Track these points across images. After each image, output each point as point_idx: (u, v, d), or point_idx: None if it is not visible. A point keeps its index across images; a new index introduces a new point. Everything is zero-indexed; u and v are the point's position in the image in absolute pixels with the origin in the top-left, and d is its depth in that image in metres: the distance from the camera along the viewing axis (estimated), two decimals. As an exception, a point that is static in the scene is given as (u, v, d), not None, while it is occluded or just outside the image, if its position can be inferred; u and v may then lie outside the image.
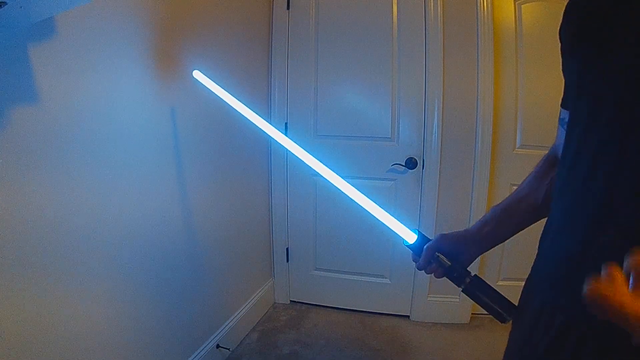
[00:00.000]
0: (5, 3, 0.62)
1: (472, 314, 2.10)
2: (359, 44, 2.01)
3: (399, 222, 0.74)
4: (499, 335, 1.95)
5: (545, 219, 0.70)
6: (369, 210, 0.77)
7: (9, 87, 0.82)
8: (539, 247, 0.61)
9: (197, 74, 1.24)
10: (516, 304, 0.65)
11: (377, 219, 0.76)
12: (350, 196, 0.79)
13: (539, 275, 0.59)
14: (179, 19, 1.36)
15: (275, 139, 0.96)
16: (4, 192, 0.82)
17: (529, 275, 0.63)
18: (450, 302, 2.10)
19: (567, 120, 0.63)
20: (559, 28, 0.60)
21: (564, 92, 0.64)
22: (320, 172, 0.83)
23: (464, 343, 1.93)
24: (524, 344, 0.58)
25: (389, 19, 1.97)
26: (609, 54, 0.46)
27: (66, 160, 0.96)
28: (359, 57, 2.02)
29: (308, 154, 0.86)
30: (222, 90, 1.14)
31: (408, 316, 2.17)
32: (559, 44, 0.61)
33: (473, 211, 1.99)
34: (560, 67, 0.61)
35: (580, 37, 0.52)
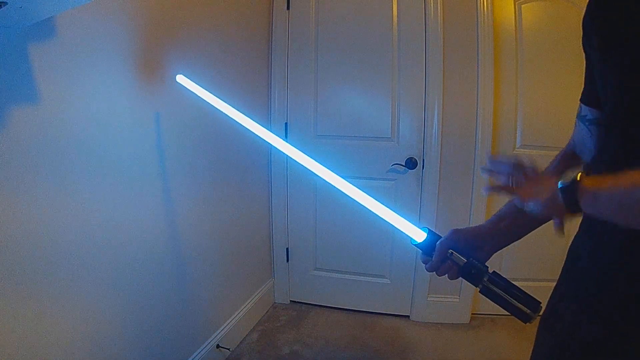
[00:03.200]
0: (5, 3, 0.62)
1: (472, 314, 2.10)
2: (359, 44, 2.01)
3: (405, 220, 0.70)
4: (499, 336, 1.95)
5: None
6: (373, 210, 0.74)
7: (8, 87, 0.81)
8: (571, 252, 0.59)
9: (181, 78, 1.20)
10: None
11: (382, 219, 0.73)
12: (352, 197, 0.76)
13: (573, 281, 0.57)
14: (177, 19, 1.36)
15: (271, 142, 0.92)
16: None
17: (561, 280, 0.61)
18: (450, 302, 2.10)
19: (589, 117, 0.61)
20: (582, 19, 0.57)
21: (586, 88, 0.62)
22: (319, 174, 0.80)
23: (464, 343, 1.93)
24: (558, 352, 0.56)
25: (389, 19, 1.97)
26: None
27: (63, 163, 0.96)
28: (359, 57, 2.02)
29: (306, 156, 0.83)
30: (210, 94, 1.09)
31: (408, 316, 2.17)
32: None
33: (473, 211, 1.99)
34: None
35: (616, 41, 0.49)
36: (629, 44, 0.47)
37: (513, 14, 1.93)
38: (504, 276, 0.65)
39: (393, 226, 0.72)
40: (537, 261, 1.99)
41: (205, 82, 1.52)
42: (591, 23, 0.55)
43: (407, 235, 0.70)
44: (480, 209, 1.98)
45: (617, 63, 0.50)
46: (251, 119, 1.00)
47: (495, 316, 2.07)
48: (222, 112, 1.05)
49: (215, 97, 1.08)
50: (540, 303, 0.60)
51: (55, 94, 0.92)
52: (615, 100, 0.51)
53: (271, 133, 0.94)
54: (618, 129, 0.51)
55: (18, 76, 0.83)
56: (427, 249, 0.67)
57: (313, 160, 0.82)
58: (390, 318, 2.16)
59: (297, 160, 0.84)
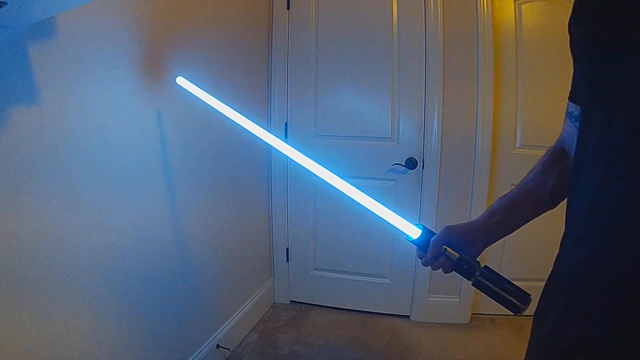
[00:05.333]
0: (5, 3, 0.62)
1: (472, 314, 2.10)
2: (359, 44, 2.01)
3: (401, 218, 0.73)
4: (499, 336, 1.95)
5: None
6: (370, 208, 0.76)
7: (8, 87, 0.81)
8: (560, 248, 0.61)
9: (181, 80, 1.21)
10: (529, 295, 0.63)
11: (379, 217, 0.75)
12: (350, 196, 0.78)
13: (559, 278, 0.59)
14: (178, 19, 1.36)
15: (270, 143, 0.94)
16: None
17: (550, 276, 0.62)
18: (450, 302, 2.10)
19: (575, 114, 0.63)
20: (568, 22, 0.58)
21: (572, 86, 0.63)
22: (317, 174, 0.81)
23: (464, 343, 1.93)
24: (545, 348, 0.57)
25: (389, 19, 1.97)
26: (623, 56, 0.45)
27: (65, 164, 0.96)
28: (359, 57, 2.02)
29: (304, 156, 0.85)
30: (209, 95, 1.11)
31: (408, 316, 2.17)
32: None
33: (473, 211, 1.99)
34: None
35: (592, 37, 0.50)
36: (614, 44, 0.48)
37: (513, 14, 1.93)
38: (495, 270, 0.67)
39: (390, 224, 0.75)
40: (537, 261, 1.99)
41: (205, 82, 1.53)
42: (575, 26, 0.56)
43: (403, 232, 0.73)
44: (480, 208, 1.98)
45: (600, 63, 0.50)
46: (251, 119, 1.01)
47: (495, 316, 2.07)
48: (221, 113, 1.06)
49: (215, 99, 1.09)
50: (530, 295, 0.63)
51: (56, 94, 0.92)
52: (587, 105, 0.53)
53: (269, 133, 0.95)
54: (593, 123, 0.51)
55: (18, 76, 0.83)
56: (422, 245, 0.70)
57: (311, 160, 0.84)
58: (390, 318, 2.16)
59: (295, 160, 0.86)
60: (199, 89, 1.16)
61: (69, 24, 0.93)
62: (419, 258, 0.71)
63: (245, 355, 1.82)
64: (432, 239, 0.68)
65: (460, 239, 0.68)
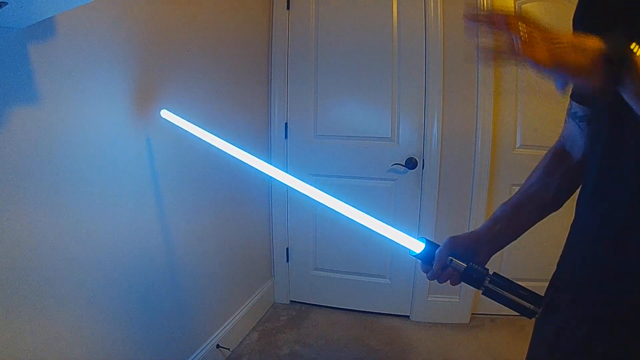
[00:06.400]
0: (5, 3, 0.62)
1: (472, 314, 2.10)
2: (359, 44, 2.01)
3: (402, 234, 0.72)
4: (499, 336, 1.95)
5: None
6: (371, 227, 0.75)
7: (7, 87, 0.81)
8: (567, 249, 0.60)
9: (165, 114, 1.18)
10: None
11: (381, 235, 0.74)
12: (350, 217, 0.78)
13: (566, 280, 0.58)
14: (178, 18, 1.36)
15: (262, 170, 0.94)
16: None
17: (554, 277, 0.61)
18: (450, 302, 2.10)
19: (580, 114, 0.62)
20: (573, 16, 0.57)
21: (576, 85, 0.63)
22: (316, 199, 0.82)
23: (464, 343, 1.93)
24: (550, 348, 0.57)
25: (389, 19, 1.97)
26: None
27: (61, 169, 0.95)
28: (359, 57, 2.02)
29: (300, 182, 0.85)
30: (196, 127, 1.09)
31: (408, 316, 2.17)
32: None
33: (473, 211, 1.99)
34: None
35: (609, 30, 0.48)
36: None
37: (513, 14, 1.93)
38: (504, 276, 0.65)
39: (392, 241, 0.73)
40: (537, 261, 1.99)
41: (205, 81, 1.53)
42: (581, 24, 0.55)
43: (406, 247, 0.71)
44: (480, 208, 1.98)
45: None
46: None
47: (495, 316, 2.07)
48: (211, 145, 1.04)
49: (203, 130, 1.08)
50: (543, 298, 0.61)
51: (55, 95, 0.92)
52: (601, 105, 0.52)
53: (261, 160, 0.95)
54: (612, 123, 0.51)
55: (17, 76, 0.83)
56: (426, 258, 0.68)
57: (309, 185, 0.84)
58: (390, 318, 2.16)
59: (293, 187, 0.86)
60: (185, 120, 1.14)
61: (69, 24, 0.93)
62: (424, 272, 0.69)
63: (245, 355, 1.82)
64: (437, 251, 0.66)
65: (465, 248, 0.67)
